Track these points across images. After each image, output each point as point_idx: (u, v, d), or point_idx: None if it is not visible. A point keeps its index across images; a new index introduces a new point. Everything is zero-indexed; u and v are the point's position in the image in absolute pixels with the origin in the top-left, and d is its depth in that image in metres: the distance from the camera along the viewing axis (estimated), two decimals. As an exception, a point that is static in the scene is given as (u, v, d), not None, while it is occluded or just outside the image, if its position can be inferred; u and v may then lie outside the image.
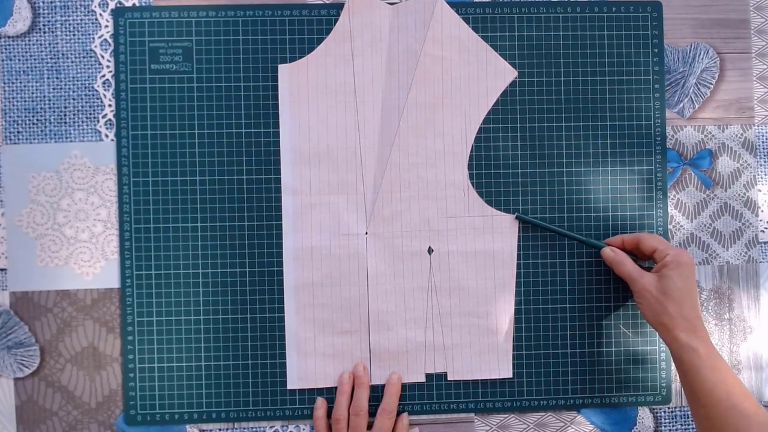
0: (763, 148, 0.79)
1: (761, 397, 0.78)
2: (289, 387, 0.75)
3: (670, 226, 0.78)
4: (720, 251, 0.78)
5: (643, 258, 0.72)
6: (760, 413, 0.62)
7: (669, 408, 0.77)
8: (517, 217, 0.75)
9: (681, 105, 0.78)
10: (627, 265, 0.70)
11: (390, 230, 0.75)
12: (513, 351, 0.76)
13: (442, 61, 0.75)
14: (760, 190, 0.79)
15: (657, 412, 0.78)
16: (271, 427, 0.76)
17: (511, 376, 0.76)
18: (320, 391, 0.75)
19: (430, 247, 0.75)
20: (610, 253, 0.72)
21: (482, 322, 0.75)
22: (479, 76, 0.76)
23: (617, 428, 0.77)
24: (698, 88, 0.78)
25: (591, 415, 0.77)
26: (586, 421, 0.77)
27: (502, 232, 0.75)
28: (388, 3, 0.75)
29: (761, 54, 0.79)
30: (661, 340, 0.76)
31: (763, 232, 0.79)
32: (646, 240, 0.70)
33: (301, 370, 0.75)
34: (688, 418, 0.78)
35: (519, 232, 0.76)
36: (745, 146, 0.79)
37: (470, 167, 0.76)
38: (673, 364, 0.76)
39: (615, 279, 0.77)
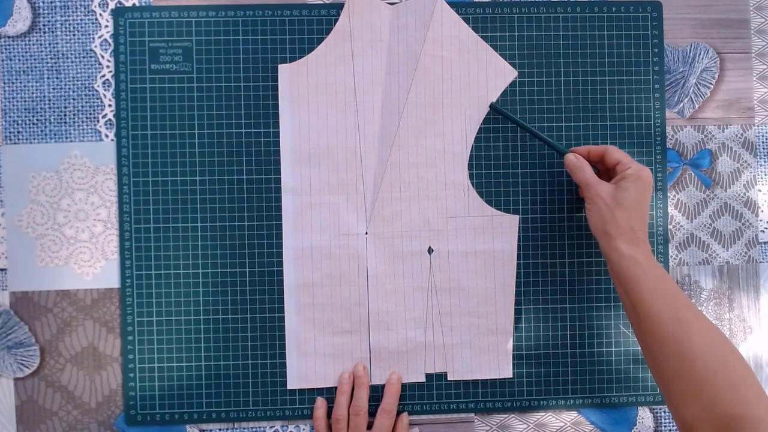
0: (763, 148, 0.79)
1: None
2: (289, 387, 0.75)
3: (670, 226, 0.78)
4: (720, 251, 0.78)
5: (605, 172, 0.71)
6: (701, 319, 0.61)
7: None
8: (491, 106, 0.75)
9: (681, 105, 0.78)
10: (586, 172, 0.69)
11: (390, 230, 0.75)
12: (513, 351, 0.76)
13: (442, 61, 0.74)
14: (760, 190, 0.79)
15: (657, 412, 0.78)
16: (271, 427, 0.76)
17: (511, 376, 0.76)
18: (320, 391, 0.75)
19: (430, 247, 0.75)
20: (572, 158, 0.70)
21: (482, 322, 0.75)
22: (479, 76, 0.76)
23: (617, 428, 0.77)
24: (698, 88, 0.78)
25: (591, 415, 0.77)
26: (586, 421, 0.77)
27: (502, 232, 0.75)
28: (388, 3, 0.75)
29: (761, 54, 0.79)
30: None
31: (763, 232, 0.79)
32: (612, 152, 0.69)
33: (301, 370, 0.75)
34: (688, 418, 0.78)
35: (519, 231, 0.76)
36: (745, 146, 0.79)
37: (470, 167, 0.76)
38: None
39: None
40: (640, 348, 0.75)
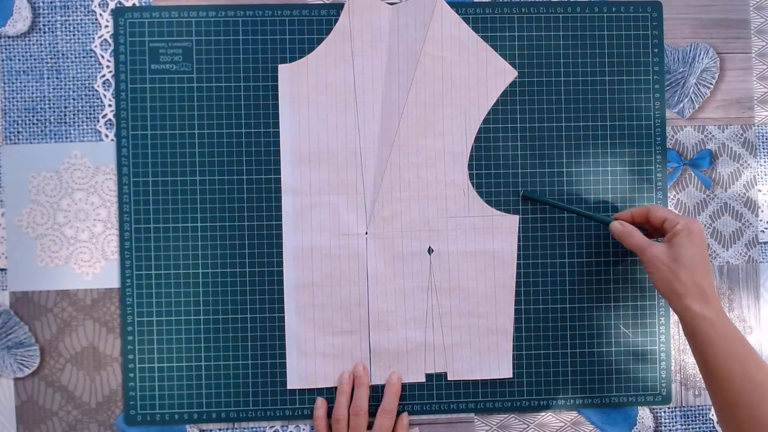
0: (763, 148, 0.79)
1: None
2: (289, 387, 0.75)
3: (670, 226, 0.78)
4: (720, 251, 0.78)
5: (653, 231, 0.71)
6: None
7: (669, 408, 0.78)
8: (523, 195, 0.75)
9: (681, 105, 0.78)
10: (635, 236, 0.68)
11: (390, 230, 0.75)
12: (513, 351, 0.76)
13: (442, 61, 0.74)
14: (760, 190, 0.79)
15: (657, 412, 0.78)
16: (271, 427, 0.76)
17: (511, 376, 0.76)
18: (320, 391, 0.75)
19: (430, 247, 0.75)
20: (618, 226, 0.70)
21: (482, 322, 0.75)
22: (479, 76, 0.76)
23: (617, 428, 0.77)
24: (698, 88, 0.78)
25: (591, 415, 0.77)
26: (586, 421, 0.77)
27: (502, 232, 0.75)
28: (388, 3, 0.75)
29: (761, 54, 0.79)
30: (661, 341, 0.76)
31: (763, 232, 0.79)
32: (656, 210, 0.69)
33: (301, 370, 0.75)
34: (688, 418, 0.78)
35: (519, 231, 0.76)
36: (745, 146, 0.79)
37: (470, 167, 0.76)
38: (673, 364, 0.76)
39: (615, 279, 0.77)
40: (641, 350, 0.75)
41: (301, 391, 0.75)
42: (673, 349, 0.77)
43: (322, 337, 0.75)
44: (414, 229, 0.75)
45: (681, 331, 0.76)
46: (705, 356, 0.63)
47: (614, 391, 0.77)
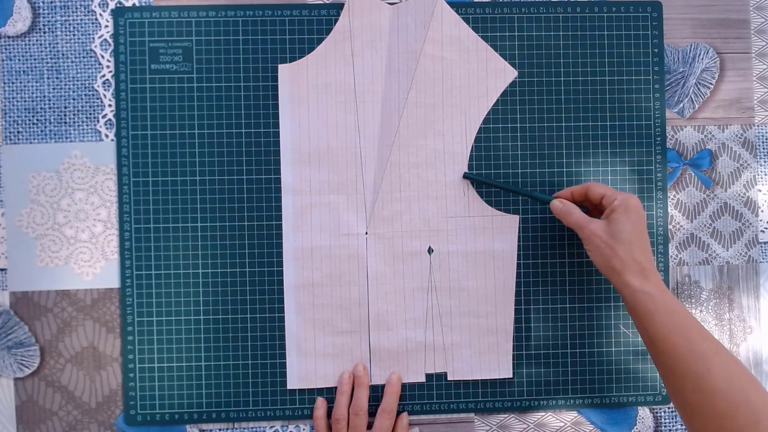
0: (763, 148, 0.79)
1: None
2: (289, 387, 0.75)
3: (670, 226, 0.78)
4: (720, 251, 0.78)
5: (593, 209, 0.71)
6: (720, 352, 0.60)
7: (669, 408, 0.77)
8: (464, 176, 0.75)
9: (681, 105, 0.78)
10: (575, 214, 0.68)
11: (390, 230, 0.75)
12: (513, 351, 0.76)
13: (442, 61, 0.74)
14: (760, 190, 0.79)
15: (657, 412, 0.78)
16: (271, 427, 0.76)
17: (511, 376, 0.76)
18: (320, 391, 0.75)
19: (430, 247, 0.75)
20: (558, 204, 0.70)
21: (482, 322, 0.75)
22: (479, 76, 0.76)
23: (617, 428, 0.77)
24: (698, 88, 0.78)
25: (591, 415, 0.77)
26: (586, 421, 0.77)
27: (502, 232, 0.75)
28: (388, 3, 0.75)
29: (761, 54, 0.79)
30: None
31: (763, 232, 0.79)
32: (594, 188, 0.69)
33: (302, 370, 0.75)
34: (688, 418, 0.78)
35: (519, 232, 0.76)
36: (745, 146, 0.79)
37: (470, 167, 0.76)
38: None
39: (615, 279, 0.77)
40: (641, 349, 0.75)
41: (301, 391, 0.75)
42: (673, 349, 0.77)
43: (322, 337, 0.75)
44: (414, 229, 0.75)
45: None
46: (648, 331, 0.63)
47: (614, 391, 0.77)
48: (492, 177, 0.76)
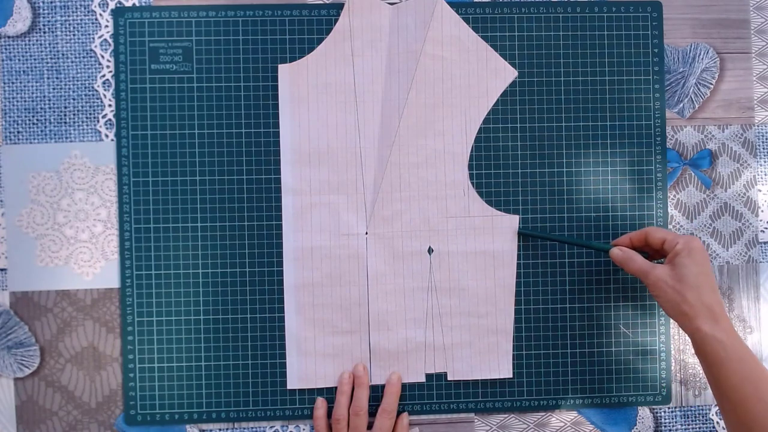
0: (763, 148, 0.79)
1: None
2: (289, 387, 0.75)
3: (670, 226, 0.78)
4: (720, 251, 0.78)
5: (653, 253, 0.71)
6: None
7: (669, 408, 0.78)
8: (519, 233, 0.75)
9: (681, 105, 0.78)
10: (637, 261, 0.68)
11: (390, 230, 0.75)
12: (513, 351, 0.76)
13: (442, 61, 0.74)
14: (760, 190, 0.79)
15: (657, 412, 0.78)
16: (271, 427, 0.76)
17: (511, 376, 0.76)
18: (320, 391, 0.75)
19: (430, 247, 0.75)
20: (618, 252, 0.69)
21: (482, 322, 0.75)
22: (479, 75, 0.76)
23: (617, 428, 0.77)
24: (698, 88, 0.78)
25: (591, 415, 0.77)
26: (586, 421, 0.77)
27: (502, 232, 0.75)
28: (388, 3, 0.75)
29: (761, 54, 0.79)
30: (661, 341, 0.76)
31: (763, 232, 0.79)
32: (654, 232, 0.69)
33: (302, 370, 0.75)
34: (688, 418, 0.78)
35: (519, 232, 0.76)
36: (745, 146, 0.79)
37: (470, 167, 0.76)
38: (673, 364, 0.76)
39: (615, 279, 0.77)
40: (641, 350, 0.75)
41: (301, 391, 0.75)
42: (673, 349, 0.77)
43: (322, 337, 0.75)
44: (414, 229, 0.75)
45: (681, 331, 0.77)
46: (717, 378, 0.62)
47: (614, 391, 0.77)
48: (493, 176, 0.76)
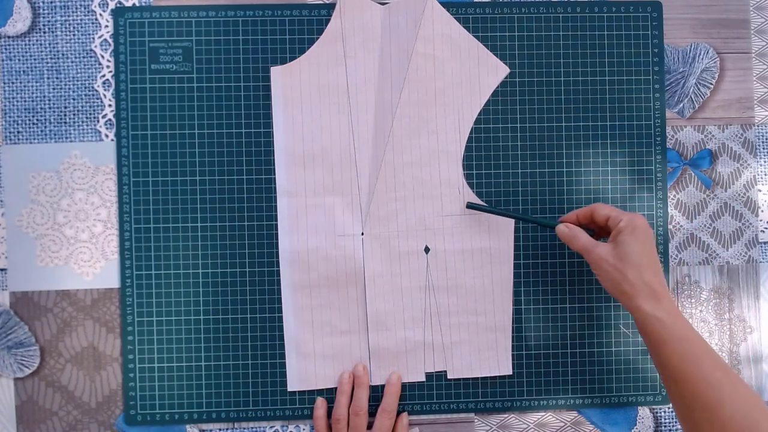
0: (763, 148, 0.79)
1: (762, 397, 0.78)
2: (289, 389, 0.75)
3: (670, 226, 0.78)
4: (720, 251, 0.78)
5: (599, 231, 0.70)
6: (734, 382, 0.59)
7: (669, 408, 0.77)
8: (468, 206, 0.74)
9: (681, 105, 0.78)
10: (581, 239, 0.67)
11: (386, 230, 0.75)
12: (513, 351, 0.76)
13: (434, 59, 0.74)
14: (760, 190, 0.79)
15: (657, 412, 0.78)
16: (271, 427, 0.76)
17: (510, 372, 0.76)
18: (320, 392, 0.75)
19: (426, 246, 0.75)
20: (564, 228, 0.68)
21: (481, 319, 0.75)
22: (471, 73, 0.75)
23: (617, 428, 0.77)
24: (698, 88, 0.78)
25: (591, 415, 0.77)
26: (586, 421, 0.77)
27: (498, 230, 0.75)
28: (380, 3, 0.75)
29: (761, 54, 0.79)
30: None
31: (763, 232, 0.79)
32: (599, 209, 0.67)
33: (301, 372, 0.75)
34: (688, 418, 0.78)
35: (518, 230, 0.76)
36: (745, 146, 0.79)
37: (468, 166, 0.75)
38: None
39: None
40: (641, 350, 0.75)
41: (301, 392, 0.75)
42: (674, 349, 0.77)
43: (320, 339, 0.75)
44: (410, 229, 0.75)
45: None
46: (660, 357, 0.61)
47: (614, 391, 0.77)
48: (492, 175, 0.76)
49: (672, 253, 0.78)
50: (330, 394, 0.75)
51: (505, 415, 0.77)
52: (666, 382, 0.62)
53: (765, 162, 0.79)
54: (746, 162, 0.79)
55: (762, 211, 0.79)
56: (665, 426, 0.77)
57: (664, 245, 0.77)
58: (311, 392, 0.75)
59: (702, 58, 0.79)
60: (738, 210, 0.79)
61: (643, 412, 0.78)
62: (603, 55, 0.77)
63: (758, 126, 0.79)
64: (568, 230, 0.68)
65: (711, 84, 0.79)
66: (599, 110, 0.77)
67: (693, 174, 0.78)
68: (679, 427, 0.77)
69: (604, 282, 0.65)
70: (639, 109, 0.77)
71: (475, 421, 0.77)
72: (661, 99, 0.78)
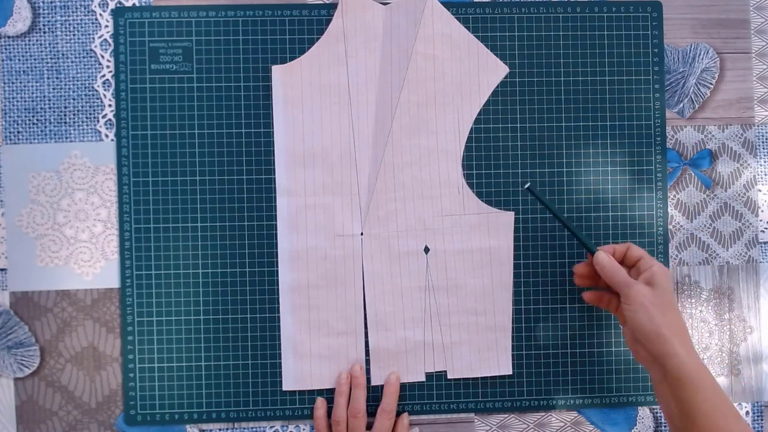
0: (763, 148, 0.79)
1: (761, 397, 0.78)
2: (284, 388, 0.74)
3: (670, 226, 0.78)
4: (720, 251, 0.78)
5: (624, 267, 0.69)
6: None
7: (669, 408, 0.77)
8: (527, 188, 0.72)
9: (681, 105, 0.78)
10: (623, 272, 0.66)
11: (385, 230, 0.75)
12: (513, 350, 0.76)
13: (434, 59, 0.74)
14: (760, 190, 0.79)
15: (657, 412, 0.78)
16: (271, 427, 0.76)
17: (510, 372, 0.76)
18: (319, 392, 0.75)
19: (426, 246, 0.75)
20: (605, 258, 0.67)
21: (481, 319, 0.75)
22: (471, 73, 0.75)
23: (617, 428, 0.77)
24: (698, 88, 0.78)
25: (591, 415, 0.77)
26: (586, 421, 0.77)
27: (497, 229, 0.75)
28: (381, 3, 0.75)
29: (761, 54, 0.79)
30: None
31: (763, 232, 0.79)
32: (634, 250, 0.68)
33: (297, 372, 0.74)
34: (688, 418, 0.78)
35: (519, 230, 0.76)
36: (745, 146, 0.79)
37: (468, 166, 0.75)
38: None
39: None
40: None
41: (301, 392, 0.75)
42: (674, 349, 0.77)
43: (317, 339, 0.75)
44: (410, 229, 0.75)
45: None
46: (690, 403, 0.61)
47: (614, 391, 0.77)
48: (493, 175, 0.76)
49: (672, 253, 0.78)
50: (329, 394, 0.75)
51: (505, 416, 0.77)
52: (682, 423, 0.62)
53: (765, 162, 0.79)
54: (746, 162, 0.79)
55: (762, 211, 0.79)
56: (665, 426, 0.77)
57: (664, 245, 0.77)
58: (311, 392, 0.75)
59: (702, 58, 0.79)
60: (738, 210, 0.79)
61: (643, 412, 0.78)
62: (603, 55, 0.77)
63: (758, 126, 0.79)
64: (610, 261, 0.67)
65: (711, 84, 0.79)
66: (599, 110, 0.77)
67: (693, 174, 0.78)
68: (679, 427, 0.77)
69: (638, 321, 0.64)
70: (639, 109, 0.77)
71: (475, 421, 0.77)
72: (661, 99, 0.78)
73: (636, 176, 0.77)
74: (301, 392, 0.75)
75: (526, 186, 0.71)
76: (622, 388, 0.77)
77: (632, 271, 0.67)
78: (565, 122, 0.77)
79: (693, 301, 0.78)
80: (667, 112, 0.78)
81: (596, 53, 0.77)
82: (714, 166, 0.78)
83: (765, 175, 0.79)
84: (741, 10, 0.79)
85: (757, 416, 0.78)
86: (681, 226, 0.78)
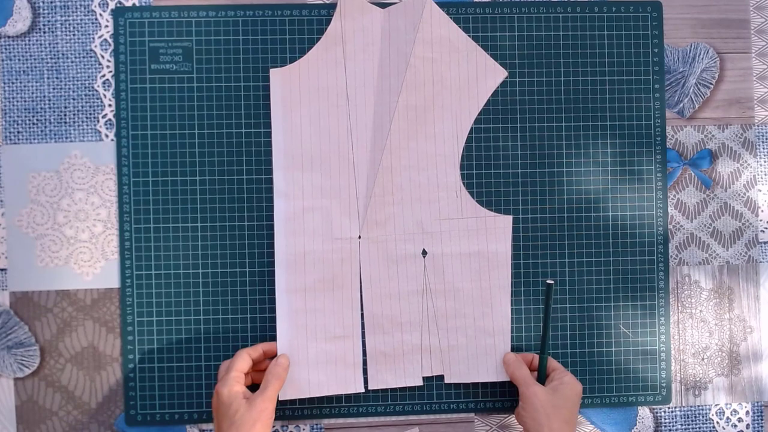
0: (763, 148, 0.79)
1: (761, 397, 0.78)
2: (280, 398, 0.72)
3: (670, 226, 0.78)
4: (720, 251, 0.78)
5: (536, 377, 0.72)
6: None
7: (669, 408, 0.77)
8: (548, 283, 0.73)
9: (681, 105, 0.78)
10: (525, 370, 0.71)
11: (383, 234, 0.75)
12: (512, 351, 0.76)
13: (432, 62, 0.74)
14: (760, 190, 0.79)
15: (657, 412, 0.78)
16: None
17: (508, 379, 0.75)
18: (311, 400, 0.75)
19: (423, 249, 0.75)
20: (512, 356, 0.73)
21: (478, 323, 0.75)
22: (469, 76, 0.75)
23: (617, 428, 0.77)
24: (698, 88, 0.78)
25: (591, 415, 0.77)
26: (587, 421, 0.77)
27: (495, 233, 0.75)
28: (380, 6, 0.75)
29: (761, 54, 0.79)
30: (661, 341, 0.76)
31: (763, 232, 0.79)
32: (551, 362, 0.72)
33: (293, 378, 0.73)
34: (688, 418, 0.78)
35: (518, 232, 0.76)
36: (745, 146, 0.79)
37: (467, 168, 0.75)
38: (673, 364, 0.77)
39: (615, 279, 0.77)
40: (641, 349, 0.75)
41: (301, 391, 0.75)
42: (673, 349, 0.77)
43: (314, 344, 0.74)
44: (407, 232, 0.75)
45: (681, 332, 0.77)
46: None
47: (614, 391, 0.77)
48: (492, 176, 0.76)
49: (672, 253, 0.78)
50: (321, 404, 0.75)
51: (505, 416, 0.77)
52: None
53: (765, 162, 0.79)
54: (746, 162, 0.79)
55: (762, 211, 0.79)
56: (665, 426, 0.77)
57: (664, 245, 0.77)
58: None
59: (702, 58, 0.78)
60: (738, 210, 0.78)
61: (643, 412, 0.78)
62: (603, 55, 0.77)
63: (758, 126, 0.79)
64: (515, 359, 0.72)
65: (711, 84, 0.79)
66: (599, 110, 0.77)
67: (693, 174, 0.78)
68: (679, 427, 0.77)
69: (527, 419, 0.68)
70: (639, 109, 0.77)
71: (475, 421, 0.77)
72: (661, 99, 0.78)
73: (636, 176, 0.77)
74: (301, 392, 0.75)
75: (549, 281, 0.72)
76: (622, 388, 0.77)
77: (547, 380, 0.71)
78: (564, 122, 0.77)
79: (693, 301, 0.78)
80: (667, 112, 0.78)
81: (596, 53, 0.77)
82: (714, 166, 0.78)
83: (765, 175, 0.79)
84: (741, 10, 0.79)
85: (757, 416, 0.78)
86: (681, 225, 0.78)
